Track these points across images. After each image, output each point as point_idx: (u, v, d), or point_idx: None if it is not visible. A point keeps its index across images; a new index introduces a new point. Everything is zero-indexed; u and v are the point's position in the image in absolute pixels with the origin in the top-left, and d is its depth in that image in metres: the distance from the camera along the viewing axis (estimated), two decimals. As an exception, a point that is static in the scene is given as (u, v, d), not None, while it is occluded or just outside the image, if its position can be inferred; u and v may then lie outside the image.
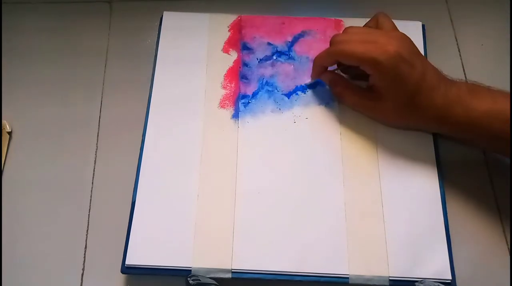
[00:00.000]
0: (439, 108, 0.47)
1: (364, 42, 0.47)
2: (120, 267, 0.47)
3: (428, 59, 0.57)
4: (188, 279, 0.45)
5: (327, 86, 0.55)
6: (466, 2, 0.64)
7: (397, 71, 0.46)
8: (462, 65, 0.60)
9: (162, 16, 0.60)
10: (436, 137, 0.53)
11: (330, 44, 0.51)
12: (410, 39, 0.49)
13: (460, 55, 0.61)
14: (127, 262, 0.46)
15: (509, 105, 0.45)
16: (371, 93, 0.50)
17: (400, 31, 0.50)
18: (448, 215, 0.50)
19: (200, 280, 0.45)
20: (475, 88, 0.48)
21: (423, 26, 0.60)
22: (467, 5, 0.64)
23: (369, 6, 0.62)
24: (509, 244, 0.50)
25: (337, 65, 0.54)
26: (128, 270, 0.47)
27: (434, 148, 0.52)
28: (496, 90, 0.48)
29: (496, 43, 0.62)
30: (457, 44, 0.62)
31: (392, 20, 0.51)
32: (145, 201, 0.49)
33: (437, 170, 0.51)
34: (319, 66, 0.53)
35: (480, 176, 0.54)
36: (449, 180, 0.52)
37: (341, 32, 0.52)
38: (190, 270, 0.46)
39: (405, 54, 0.46)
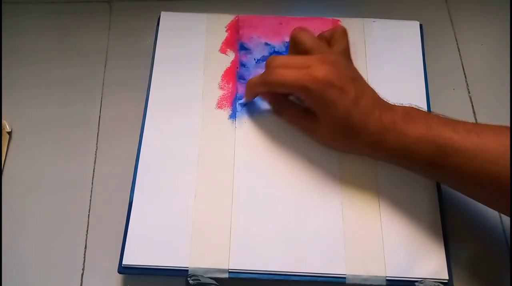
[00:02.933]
0: (373, 134, 0.46)
1: (295, 69, 0.46)
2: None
3: (427, 59, 0.57)
4: (188, 279, 0.45)
5: None
6: (466, 2, 0.64)
7: (325, 97, 0.45)
8: (462, 65, 0.60)
9: (160, 16, 0.60)
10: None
11: (266, 67, 0.49)
12: (348, 63, 0.49)
13: (460, 55, 0.61)
14: (124, 262, 0.47)
15: (444, 131, 0.44)
16: (309, 115, 0.49)
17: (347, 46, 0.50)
18: (446, 214, 0.49)
19: (200, 280, 0.45)
20: (411, 114, 0.46)
21: (420, 26, 0.59)
22: (467, 5, 0.64)
23: (367, 6, 0.62)
24: (509, 244, 0.50)
25: None
26: (125, 270, 0.47)
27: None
28: (434, 115, 0.46)
29: (496, 43, 0.62)
30: (457, 44, 0.62)
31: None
32: (142, 201, 0.49)
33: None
34: (252, 92, 0.52)
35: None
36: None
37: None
38: (187, 270, 0.46)
39: (335, 79, 0.45)
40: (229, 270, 0.46)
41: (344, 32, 0.51)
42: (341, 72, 0.46)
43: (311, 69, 0.45)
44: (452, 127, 0.44)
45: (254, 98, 0.53)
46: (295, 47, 0.50)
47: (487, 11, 0.64)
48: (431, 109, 0.55)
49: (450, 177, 0.45)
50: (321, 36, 0.51)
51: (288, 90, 0.48)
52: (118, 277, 0.49)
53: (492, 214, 0.52)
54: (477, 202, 0.51)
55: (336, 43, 0.50)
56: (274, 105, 0.53)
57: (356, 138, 0.47)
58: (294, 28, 0.50)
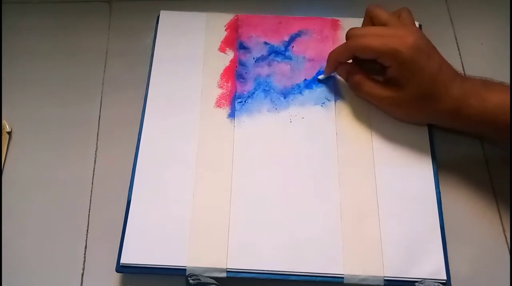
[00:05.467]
0: (455, 100, 0.48)
1: (381, 36, 0.48)
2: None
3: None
4: (189, 278, 0.45)
5: (324, 87, 0.56)
6: (466, 1, 0.64)
7: (416, 61, 0.47)
8: (462, 64, 0.60)
9: (159, 15, 0.60)
10: (432, 136, 0.53)
11: (346, 38, 0.51)
12: (425, 35, 0.50)
13: (459, 55, 0.61)
14: (122, 261, 0.47)
15: None
16: (389, 85, 0.51)
17: None
18: (445, 215, 0.49)
19: (200, 280, 0.45)
20: (489, 83, 0.49)
21: (420, 26, 0.59)
22: (466, 4, 0.64)
23: (367, 6, 0.61)
24: (509, 244, 0.50)
25: (353, 61, 0.54)
26: (123, 269, 0.47)
27: (430, 148, 0.52)
28: (508, 84, 0.48)
29: (495, 42, 0.62)
30: (457, 43, 0.61)
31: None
32: (140, 200, 0.49)
33: (433, 169, 0.51)
34: (334, 61, 0.53)
35: (479, 175, 0.54)
36: (446, 179, 0.52)
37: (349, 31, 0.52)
38: (185, 269, 0.46)
39: (422, 45, 0.48)
40: (227, 270, 0.46)
41: (409, 11, 0.53)
42: (427, 41, 0.49)
43: (399, 35, 0.48)
44: None
45: (334, 70, 0.54)
46: (371, 21, 0.52)
47: (487, 10, 0.64)
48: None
49: None
50: (392, 14, 0.53)
51: (375, 54, 0.49)
52: (119, 277, 0.49)
53: (492, 213, 0.52)
54: (477, 202, 0.51)
55: (404, 20, 0.52)
56: (353, 77, 0.53)
57: (439, 104, 0.49)
58: (370, 4, 0.52)
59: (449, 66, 0.49)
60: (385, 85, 0.51)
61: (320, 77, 0.56)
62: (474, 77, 0.50)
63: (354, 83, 0.53)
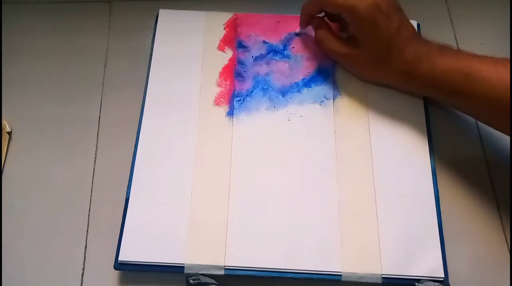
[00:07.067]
0: (408, 63, 0.50)
1: None
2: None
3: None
4: (189, 278, 0.46)
5: (323, 85, 0.56)
6: (466, 1, 0.64)
7: (373, 20, 0.49)
8: (462, 64, 0.60)
9: (158, 14, 0.60)
10: (430, 134, 0.53)
11: None
12: None
13: (459, 54, 0.61)
14: (120, 258, 0.47)
15: (472, 62, 0.47)
16: (349, 42, 0.53)
17: None
18: (443, 213, 0.49)
19: (200, 280, 0.45)
20: (445, 48, 0.50)
21: (418, 25, 0.59)
22: (466, 4, 0.64)
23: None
24: (509, 243, 0.50)
25: (326, 16, 0.56)
26: (121, 266, 0.47)
27: (429, 146, 0.52)
28: (465, 52, 0.49)
29: (495, 42, 0.62)
30: (457, 43, 0.61)
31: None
32: (139, 197, 0.49)
33: (432, 167, 0.51)
34: (306, 14, 0.56)
35: (478, 173, 0.53)
36: (444, 178, 0.52)
37: None
38: (183, 267, 0.46)
39: (383, 5, 0.49)
40: (225, 267, 0.46)
41: None
42: (389, 1, 0.50)
43: None
44: (480, 59, 0.47)
45: (308, 23, 0.57)
46: None
47: (487, 10, 0.64)
48: (430, 111, 0.55)
49: (474, 105, 0.48)
50: None
51: (337, 9, 0.50)
52: (119, 276, 0.49)
53: (492, 212, 0.51)
54: (476, 202, 0.51)
55: None
56: (318, 31, 0.55)
57: (392, 65, 0.50)
58: None
59: (408, 30, 0.50)
60: (345, 43, 0.53)
61: (297, 31, 0.59)
62: (433, 41, 0.50)
63: (317, 38, 0.55)
